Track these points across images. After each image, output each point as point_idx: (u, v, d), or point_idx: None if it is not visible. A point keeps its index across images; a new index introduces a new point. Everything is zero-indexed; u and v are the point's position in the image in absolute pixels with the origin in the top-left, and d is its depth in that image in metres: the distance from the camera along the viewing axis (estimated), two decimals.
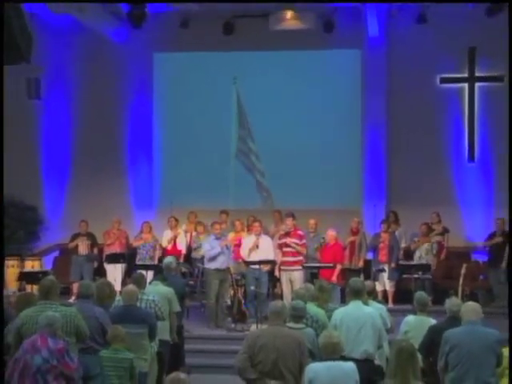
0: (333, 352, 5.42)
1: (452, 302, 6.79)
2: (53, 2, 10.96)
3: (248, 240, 11.36)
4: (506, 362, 6.01)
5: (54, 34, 13.52)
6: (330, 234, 11.56)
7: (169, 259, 9.30)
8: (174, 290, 8.25)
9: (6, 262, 12.32)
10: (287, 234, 11.50)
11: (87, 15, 12.36)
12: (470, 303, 6.43)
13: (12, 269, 12.25)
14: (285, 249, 11.42)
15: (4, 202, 13.57)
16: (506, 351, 6.03)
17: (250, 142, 13.93)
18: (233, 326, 10.56)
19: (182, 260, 12.26)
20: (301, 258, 11.33)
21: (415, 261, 11.93)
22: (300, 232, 11.52)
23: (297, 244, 11.36)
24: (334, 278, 11.15)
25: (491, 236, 12.25)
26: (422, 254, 12.08)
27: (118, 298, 7.57)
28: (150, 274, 10.59)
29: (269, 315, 5.83)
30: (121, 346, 6.39)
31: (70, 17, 12.66)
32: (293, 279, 11.17)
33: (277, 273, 11.64)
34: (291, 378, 5.40)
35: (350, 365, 5.45)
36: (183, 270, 11.80)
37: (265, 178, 13.88)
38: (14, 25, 5.78)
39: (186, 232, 12.60)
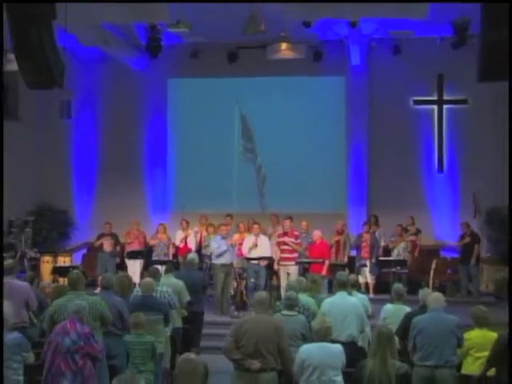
0: (325, 335, 5.41)
1: (424, 293, 6.79)
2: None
3: (248, 239, 11.38)
4: (467, 343, 6.03)
5: (83, 63, 13.53)
6: (317, 234, 11.56)
7: (192, 256, 9.25)
8: (196, 282, 8.19)
9: (41, 257, 12.39)
10: (285, 234, 11.54)
11: (112, 47, 12.40)
12: (435, 294, 6.44)
13: (47, 264, 12.27)
14: (282, 246, 11.47)
15: (40, 208, 13.68)
16: (466, 335, 6.05)
17: (252, 155, 14.02)
18: (235, 313, 10.54)
19: None
20: (296, 254, 11.37)
21: (394, 257, 11.91)
22: (296, 232, 11.58)
23: (293, 243, 11.42)
24: (323, 272, 11.14)
25: (461, 237, 12.24)
26: (400, 252, 12.08)
27: (137, 289, 7.56)
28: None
29: (253, 304, 5.79)
30: (142, 331, 6.39)
31: (97, 49, 12.70)
32: (289, 272, 11.18)
33: (276, 267, 11.65)
34: (270, 357, 5.39)
35: (338, 347, 5.44)
36: None
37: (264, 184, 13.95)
38: (49, 57, 5.91)
39: (196, 233, 12.59)
